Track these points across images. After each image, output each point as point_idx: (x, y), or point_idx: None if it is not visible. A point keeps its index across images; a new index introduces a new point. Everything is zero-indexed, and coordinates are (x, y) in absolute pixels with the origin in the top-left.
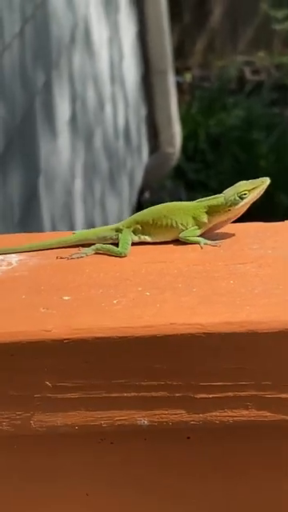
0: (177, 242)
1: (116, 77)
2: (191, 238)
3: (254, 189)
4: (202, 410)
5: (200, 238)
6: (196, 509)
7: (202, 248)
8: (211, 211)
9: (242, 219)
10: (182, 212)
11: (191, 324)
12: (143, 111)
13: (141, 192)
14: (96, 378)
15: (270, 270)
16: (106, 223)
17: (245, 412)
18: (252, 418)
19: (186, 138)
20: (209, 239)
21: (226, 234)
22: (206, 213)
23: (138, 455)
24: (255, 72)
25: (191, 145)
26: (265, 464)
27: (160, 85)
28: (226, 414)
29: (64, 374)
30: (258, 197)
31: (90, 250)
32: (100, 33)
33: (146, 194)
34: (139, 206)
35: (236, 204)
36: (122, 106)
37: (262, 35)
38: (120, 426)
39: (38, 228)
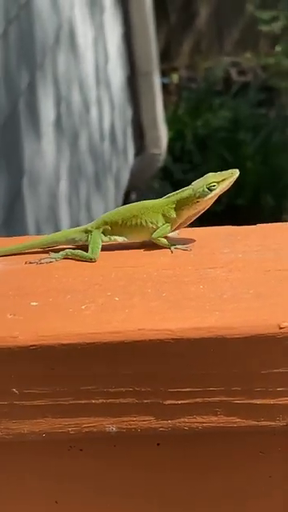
0: (147, 246)
1: (101, 78)
2: (162, 240)
3: (223, 180)
4: (171, 416)
5: (170, 242)
6: None
7: (172, 252)
8: (180, 205)
9: (221, 222)
10: (151, 210)
11: (160, 330)
12: (129, 113)
13: (127, 193)
14: (63, 384)
15: (240, 274)
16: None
17: (214, 418)
18: (221, 424)
19: (173, 139)
20: (179, 243)
21: (197, 237)
22: (175, 208)
23: (108, 462)
24: (241, 73)
25: (178, 146)
26: (235, 470)
27: (145, 86)
28: (194, 420)
29: (31, 381)
30: (226, 188)
31: (59, 255)
32: (85, 34)
33: (133, 196)
34: None
35: (205, 196)
36: (107, 108)
37: (249, 36)
38: (88, 432)
39: (22, 230)
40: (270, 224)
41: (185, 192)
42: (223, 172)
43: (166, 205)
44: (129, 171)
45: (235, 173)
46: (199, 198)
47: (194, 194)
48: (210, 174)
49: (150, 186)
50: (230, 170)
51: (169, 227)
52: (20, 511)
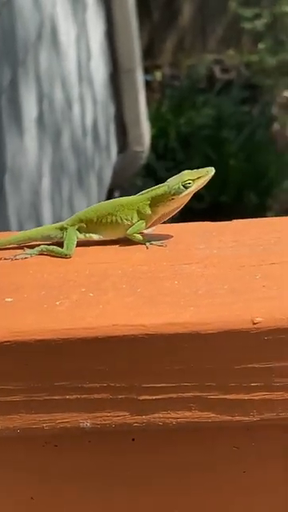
0: (122, 242)
1: (84, 75)
2: (137, 237)
3: (198, 178)
4: (146, 411)
5: (146, 238)
6: (142, 511)
7: (147, 248)
8: (155, 202)
9: (205, 219)
10: (126, 207)
11: (134, 325)
12: (111, 110)
13: (110, 191)
14: (37, 380)
15: (215, 270)
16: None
17: (188, 413)
18: (195, 420)
19: (156, 137)
20: (154, 239)
21: (172, 233)
22: (150, 205)
23: (83, 458)
24: (225, 70)
25: (161, 143)
26: (209, 465)
27: (128, 84)
28: (169, 415)
29: (5, 377)
30: (201, 186)
31: (34, 251)
32: (67, 31)
33: (116, 193)
34: None
35: (180, 193)
36: (89, 105)
37: (232, 34)
38: (63, 428)
39: (5, 227)
40: (245, 220)
41: (160, 189)
42: (199, 170)
43: (140, 202)
44: (111, 168)
45: (210, 171)
46: (174, 195)
47: (169, 191)
48: (186, 171)
49: (133, 183)
50: (205, 168)
51: (143, 224)
52: None
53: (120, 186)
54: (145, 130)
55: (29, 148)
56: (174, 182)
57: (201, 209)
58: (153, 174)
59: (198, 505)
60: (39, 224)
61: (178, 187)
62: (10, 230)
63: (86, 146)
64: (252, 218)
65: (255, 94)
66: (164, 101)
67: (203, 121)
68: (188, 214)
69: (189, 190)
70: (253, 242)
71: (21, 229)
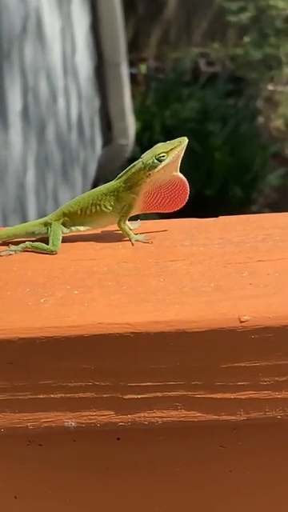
0: (108, 238)
1: (69, 69)
2: (125, 228)
3: (171, 150)
4: (131, 410)
5: (132, 234)
6: (127, 511)
7: (133, 245)
8: (134, 182)
9: (189, 213)
10: (107, 194)
11: (119, 323)
12: (96, 103)
13: (95, 184)
14: (21, 379)
15: (201, 267)
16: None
17: (174, 412)
18: (181, 419)
19: (142, 130)
20: (140, 236)
21: (158, 230)
22: (130, 186)
23: (68, 457)
24: (210, 64)
25: (146, 136)
26: (195, 464)
27: (113, 77)
28: (154, 414)
29: None
30: (179, 159)
31: (18, 248)
32: (52, 24)
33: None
34: None
35: (155, 167)
36: (74, 98)
37: (217, 27)
38: (47, 427)
39: None
40: (231, 216)
41: (134, 167)
42: (172, 141)
43: (119, 185)
44: (96, 162)
45: (184, 141)
46: (150, 170)
47: (144, 167)
48: (159, 144)
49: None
50: (178, 139)
51: (130, 208)
52: None
53: (104, 179)
54: (130, 124)
55: (13, 141)
56: (147, 157)
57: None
58: None
59: (184, 504)
60: (24, 217)
61: (152, 161)
62: None
63: (71, 139)
64: (237, 211)
65: (240, 87)
66: (149, 94)
67: (188, 114)
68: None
69: (164, 162)
70: (239, 239)
71: (5, 222)
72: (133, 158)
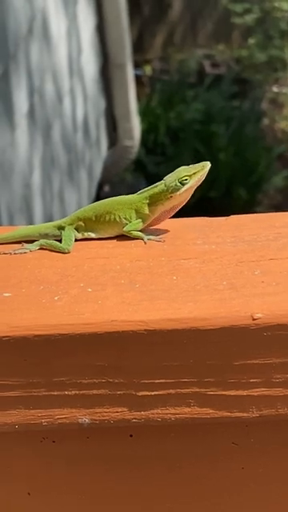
0: (120, 237)
1: (74, 70)
2: (134, 233)
3: (194, 174)
4: (144, 407)
5: (143, 234)
6: (139, 507)
7: (145, 243)
8: (153, 201)
9: (194, 214)
10: (124, 206)
11: (133, 321)
12: (102, 104)
13: (100, 185)
14: (36, 375)
15: (214, 265)
16: (64, 216)
17: (187, 409)
18: (194, 416)
19: (146, 131)
20: (153, 234)
21: (170, 228)
22: (149, 204)
23: (81, 454)
24: (215, 65)
25: (151, 138)
26: (207, 461)
27: (119, 78)
28: (167, 411)
29: (3, 372)
30: (199, 182)
31: (33, 246)
32: (58, 25)
33: (106, 188)
34: (98, 199)
35: (177, 190)
36: (80, 99)
37: (222, 29)
38: (61, 424)
39: None
40: (243, 215)
41: (157, 187)
42: (195, 165)
43: (139, 201)
44: (102, 163)
45: (206, 165)
46: (172, 192)
47: (167, 189)
48: (182, 167)
49: (123, 178)
50: (201, 163)
51: (141, 223)
52: None
53: (110, 180)
54: (135, 125)
55: (19, 142)
56: (170, 179)
57: (190, 204)
58: (142, 168)
59: (197, 500)
60: (30, 217)
61: (175, 184)
62: (0, 224)
63: (77, 140)
64: (241, 212)
65: (245, 88)
66: (154, 95)
67: (193, 115)
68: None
69: (186, 186)
70: (251, 238)
71: (11, 222)
72: (137, 160)
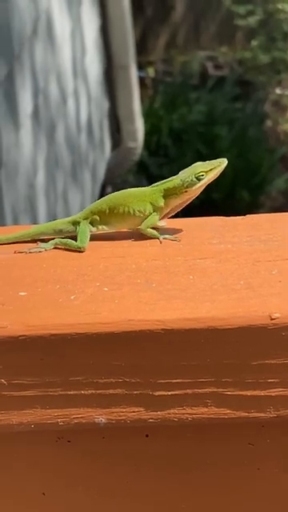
0: (135, 236)
1: (78, 71)
2: (150, 231)
3: (211, 170)
4: (161, 407)
5: (159, 233)
6: (154, 508)
7: (161, 243)
8: (168, 194)
9: (197, 216)
10: (139, 198)
11: (150, 320)
12: (106, 106)
13: (103, 186)
14: (52, 375)
15: (230, 265)
16: (67, 217)
17: (204, 409)
18: (212, 416)
19: (149, 133)
20: (168, 233)
21: (186, 228)
22: (163, 196)
23: (96, 454)
24: (218, 67)
25: (154, 139)
26: (223, 461)
27: (122, 79)
28: (184, 411)
29: (20, 372)
30: (214, 178)
31: (48, 245)
32: (62, 26)
33: (109, 189)
34: None
35: (193, 185)
36: (84, 100)
37: (225, 30)
38: (77, 424)
39: (0, 221)
40: (259, 215)
41: (173, 181)
42: (211, 161)
43: (153, 193)
44: (105, 164)
45: (223, 162)
46: (187, 187)
47: (183, 184)
48: (198, 163)
49: (125, 179)
50: (218, 160)
51: (157, 216)
52: (7, 502)
53: (113, 181)
54: (138, 126)
55: (24, 142)
56: (186, 174)
57: (193, 205)
58: (145, 170)
59: (212, 501)
60: (34, 218)
61: (192, 179)
62: (5, 223)
63: (81, 141)
64: (244, 214)
65: (248, 90)
66: (157, 97)
67: (196, 117)
68: (181, 211)
69: (202, 182)
70: (267, 238)
71: (16, 222)
72: (140, 161)
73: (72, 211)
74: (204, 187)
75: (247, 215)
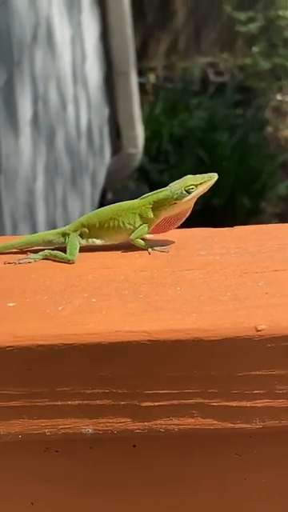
0: (124, 247)
1: (78, 77)
2: (139, 242)
3: (201, 184)
4: (148, 418)
5: (148, 244)
6: None
7: (149, 254)
8: (157, 206)
9: (197, 222)
10: (128, 211)
11: (136, 331)
12: (106, 112)
13: (103, 192)
14: (40, 385)
15: (218, 276)
16: (68, 224)
17: (190, 420)
18: (198, 426)
19: (150, 139)
20: (157, 245)
21: (175, 239)
22: (152, 208)
23: (84, 464)
24: (218, 73)
25: (154, 145)
26: (210, 472)
27: (122, 86)
28: (171, 422)
29: (7, 382)
30: (204, 192)
31: (38, 256)
32: (63, 33)
33: (109, 195)
34: (101, 206)
35: (182, 198)
36: (84, 107)
37: (226, 37)
38: (65, 434)
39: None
40: (247, 226)
41: (162, 193)
42: (202, 175)
43: (142, 205)
44: (105, 170)
45: (214, 177)
46: (177, 199)
47: (172, 196)
48: (189, 176)
49: (125, 185)
50: (209, 174)
51: (146, 228)
52: None
53: (113, 187)
54: (138, 133)
55: (23, 149)
56: (176, 186)
57: (193, 211)
58: (145, 176)
59: (200, 510)
60: (33, 224)
61: (181, 192)
62: (4, 230)
63: (80, 147)
64: (245, 220)
65: (248, 96)
66: (157, 103)
67: (196, 123)
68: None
69: (191, 195)
70: (255, 249)
71: (15, 228)
72: (141, 167)
73: (71, 217)
74: (193, 202)
75: (235, 227)
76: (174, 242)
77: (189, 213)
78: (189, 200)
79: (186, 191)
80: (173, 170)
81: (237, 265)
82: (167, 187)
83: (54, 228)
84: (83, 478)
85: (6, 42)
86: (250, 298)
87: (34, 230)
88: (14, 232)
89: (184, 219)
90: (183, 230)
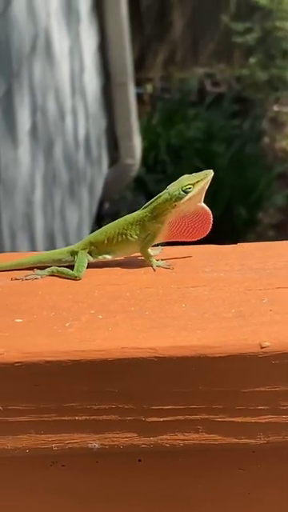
0: (130, 264)
1: (77, 88)
2: (149, 253)
3: (197, 182)
4: (153, 433)
5: (154, 260)
6: None
7: (154, 270)
8: (160, 212)
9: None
10: (133, 223)
11: (142, 348)
12: (103, 123)
13: (101, 203)
14: (47, 401)
15: (222, 293)
16: (66, 234)
17: (195, 435)
18: (202, 442)
19: (147, 150)
20: (162, 261)
21: (179, 256)
22: (156, 216)
23: (90, 478)
24: (216, 84)
25: (152, 156)
26: (214, 486)
27: (120, 97)
28: (176, 437)
29: (15, 397)
30: (203, 190)
31: (44, 272)
32: (61, 44)
33: (106, 206)
34: (99, 217)
35: (181, 198)
36: (82, 117)
37: (223, 48)
38: (71, 449)
39: None
40: (250, 243)
41: (161, 198)
42: (198, 173)
43: (145, 214)
44: (103, 181)
45: (209, 173)
46: (176, 201)
47: (171, 198)
48: (185, 176)
49: (123, 196)
50: (204, 171)
51: (154, 237)
52: None
53: (110, 198)
54: (136, 143)
55: (22, 160)
56: (173, 188)
57: None
58: (143, 186)
59: None
60: (32, 235)
61: (179, 193)
62: (2, 241)
63: (78, 158)
64: (241, 231)
65: (246, 107)
66: (155, 114)
67: (193, 134)
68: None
69: (189, 194)
70: (259, 266)
71: (13, 239)
72: (138, 178)
73: (69, 228)
74: (199, 200)
75: (239, 244)
76: (178, 259)
77: (204, 211)
78: (188, 199)
79: (184, 191)
80: (170, 180)
81: (241, 282)
82: (165, 191)
83: (52, 239)
84: (89, 491)
85: (4, 52)
86: (254, 315)
87: (32, 240)
88: (13, 242)
89: (206, 219)
90: (187, 246)
